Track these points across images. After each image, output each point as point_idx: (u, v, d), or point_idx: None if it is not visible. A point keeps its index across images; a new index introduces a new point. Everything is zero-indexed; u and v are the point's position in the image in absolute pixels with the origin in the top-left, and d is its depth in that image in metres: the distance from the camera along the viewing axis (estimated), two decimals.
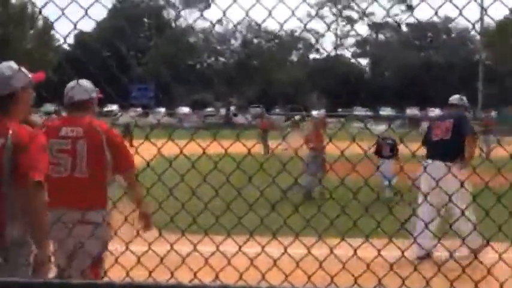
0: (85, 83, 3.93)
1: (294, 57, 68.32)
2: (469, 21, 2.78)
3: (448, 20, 65.13)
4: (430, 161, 6.51)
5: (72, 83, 3.92)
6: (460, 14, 3.25)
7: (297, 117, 22.15)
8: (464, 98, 7.39)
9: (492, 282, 2.96)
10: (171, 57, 52.90)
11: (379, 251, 2.81)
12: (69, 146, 3.77)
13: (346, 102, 58.62)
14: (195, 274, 2.65)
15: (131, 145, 14.22)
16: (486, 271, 2.80)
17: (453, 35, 71.30)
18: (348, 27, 73.38)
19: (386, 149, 10.83)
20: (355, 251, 2.91)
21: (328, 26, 65.63)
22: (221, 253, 2.96)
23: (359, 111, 54.54)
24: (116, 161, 3.84)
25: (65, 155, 3.76)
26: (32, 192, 2.69)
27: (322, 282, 2.97)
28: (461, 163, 6.47)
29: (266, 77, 54.92)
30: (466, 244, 4.50)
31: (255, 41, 57.63)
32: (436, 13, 3.06)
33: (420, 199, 5.78)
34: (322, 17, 63.88)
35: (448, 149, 6.62)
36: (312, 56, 71.73)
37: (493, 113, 46.25)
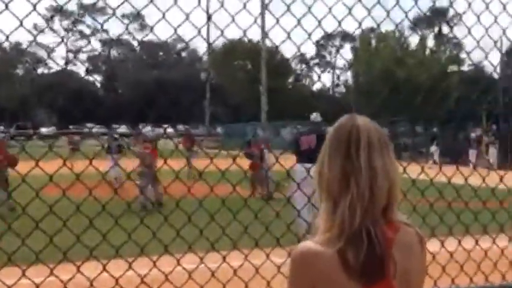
0: None
1: (20, 71, 63.36)
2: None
3: (179, 40, 67.70)
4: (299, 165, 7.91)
5: None
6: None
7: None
8: (319, 115, 9.83)
9: None
10: None
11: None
12: None
13: (78, 119, 56.31)
14: None
15: None
16: None
17: (184, 55, 74.29)
18: (80, 42, 71.04)
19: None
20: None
21: (62, 39, 62.46)
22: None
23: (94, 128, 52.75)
24: None
25: None
26: None
27: None
28: None
29: None
30: None
31: None
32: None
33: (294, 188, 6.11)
34: (52, 30, 60.70)
35: (314, 155, 8.04)
36: (41, 70, 67.54)
37: (219, 129, 49.33)
